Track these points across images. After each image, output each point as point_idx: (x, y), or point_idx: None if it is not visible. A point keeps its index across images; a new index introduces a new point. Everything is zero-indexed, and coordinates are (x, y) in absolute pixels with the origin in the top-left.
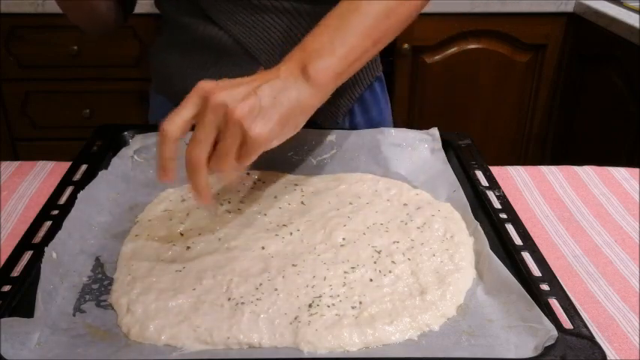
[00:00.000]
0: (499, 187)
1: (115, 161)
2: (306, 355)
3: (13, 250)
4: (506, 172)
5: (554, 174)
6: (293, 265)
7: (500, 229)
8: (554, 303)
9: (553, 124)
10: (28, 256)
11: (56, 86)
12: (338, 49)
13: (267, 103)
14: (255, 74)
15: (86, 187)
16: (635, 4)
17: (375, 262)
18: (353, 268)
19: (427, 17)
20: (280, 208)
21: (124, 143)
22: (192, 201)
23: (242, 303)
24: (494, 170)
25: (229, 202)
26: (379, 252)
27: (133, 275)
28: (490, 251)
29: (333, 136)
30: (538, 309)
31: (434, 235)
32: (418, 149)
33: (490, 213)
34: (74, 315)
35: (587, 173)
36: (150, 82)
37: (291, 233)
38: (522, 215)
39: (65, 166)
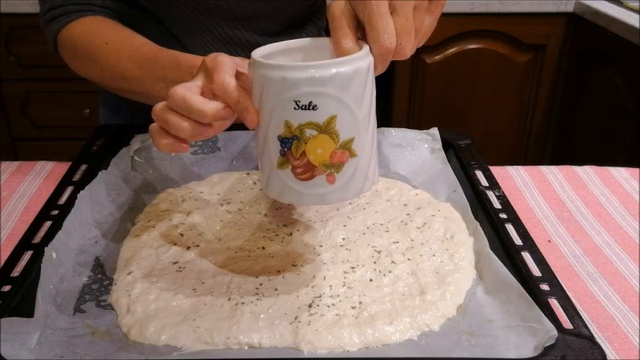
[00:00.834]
0: (499, 187)
1: (115, 161)
2: (306, 355)
3: (13, 250)
4: (506, 172)
5: (554, 174)
6: (293, 265)
7: (500, 229)
8: (554, 303)
9: (553, 124)
10: (28, 256)
11: (56, 86)
12: None
13: None
14: None
15: (86, 187)
16: (635, 4)
17: (375, 262)
18: (353, 268)
19: None
20: (280, 208)
21: (124, 143)
22: (194, 201)
23: (242, 303)
24: (494, 170)
25: (229, 203)
26: (379, 252)
27: (133, 275)
28: (490, 251)
29: None
30: (538, 309)
31: (434, 235)
32: (418, 149)
33: (490, 213)
34: (74, 315)
35: (587, 173)
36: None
37: (291, 233)
38: (522, 215)
39: (65, 166)
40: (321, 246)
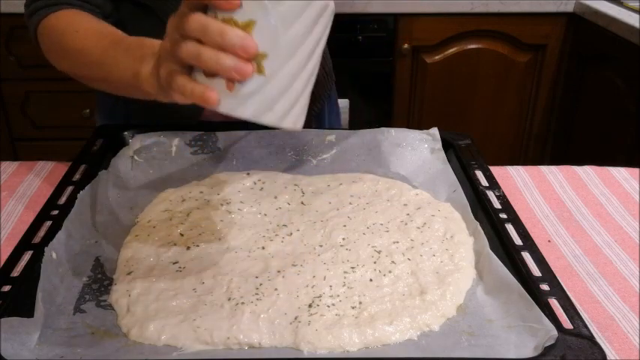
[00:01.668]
0: (499, 187)
1: (115, 161)
2: (306, 355)
3: (13, 250)
4: (506, 172)
5: (554, 174)
6: (293, 265)
7: (500, 229)
8: (554, 303)
9: (553, 124)
10: (28, 256)
11: (56, 86)
12: None
13: None
14: None
15: (86, 187)
16: (635, 4)
17: (375, 262)
18: (353, 268)
19: (427, 17)
20: (280, 208)
21: (123, 143)
22: (194, 201)
23: (242, 303)
24: (494, 170)
25: (229, 203)
26: (379, 252)
27: (133, 275)
28: (490, 251)
29: (332, 136)
30: (538, 309)
31: (434, 235)
32: (418, 149)
33: (490, 213)
34: (74, 315)
35: (587, 173)
36: None
37: (291, 233)
38: (522, 215)
39: (65, 166)
40: (321, 246)
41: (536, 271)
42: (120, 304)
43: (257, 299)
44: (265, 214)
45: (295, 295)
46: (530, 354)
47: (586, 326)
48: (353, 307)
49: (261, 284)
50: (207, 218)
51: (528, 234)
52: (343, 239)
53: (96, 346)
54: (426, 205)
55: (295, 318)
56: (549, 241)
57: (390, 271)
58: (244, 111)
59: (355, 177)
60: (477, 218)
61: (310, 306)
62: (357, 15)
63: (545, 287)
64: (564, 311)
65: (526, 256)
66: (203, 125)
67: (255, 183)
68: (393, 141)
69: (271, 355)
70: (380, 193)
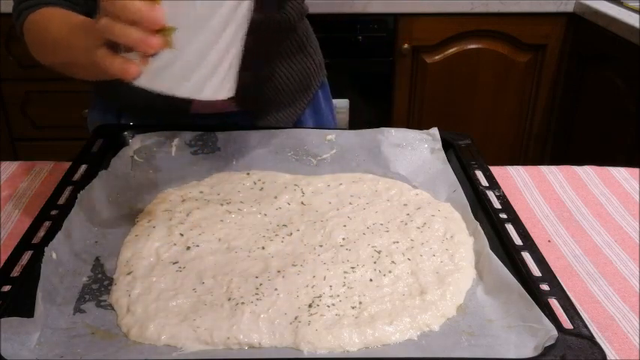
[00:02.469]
0: (499, 187)
1: (115, 161)
2: (306, 355)
3: (13, 250)
4: (506, 172)
5: (554, 174)
6: (293, 265)
7: (500, 229)
8: (554, 303)
9: (553, 124)
10: (28, 256)
11: (56, 86)
12: None
13: None
14: None
15: (86, 187)
16: (635, 4)
17: (374, 262)
18: (353, 268)
19: (427, 17)
20: (280, 208)
21: (123, 143)
22: (194, 201)
23: (242, 303)
24: (494, 170)
25: (229, 203)
26: (379, 252)
27: (133, 275)
28: (490, 251)
29: (332, 136)
30: (538, 309)
31: (434, 235)
32: (418, 149)
33: (490, 213)
34: (74, 315)
35: (587, 173)
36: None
37: (291, 233)
38: (522, 215)
39: (65, 166)
40: (321, 246)
41: (536, 271)
42: (120, 304)
43: (257, 299)
44: (265, 214)
45: (295, 295)
46: (530, 354)
47: (586, 326)
48: (353, 307)
49: (261, 284)
50: (207, 218)
51: (528, 234)
52: (343, 239)
53: (96, 346)
54: (426, 205)
55: (295, 318)
56: (549, 241)
57: (390, 271)
58: (160, 84)
59: (355, 177)
60: (477, 218)
61: (310, 306)
62: (357, 15)
63: (545, 287)
64: (564, 311)
65: (526, 256)
66: (203, 125)
67: (255, 183)
68: (393, 141)
69: (271, 355)
70: (380, 193)
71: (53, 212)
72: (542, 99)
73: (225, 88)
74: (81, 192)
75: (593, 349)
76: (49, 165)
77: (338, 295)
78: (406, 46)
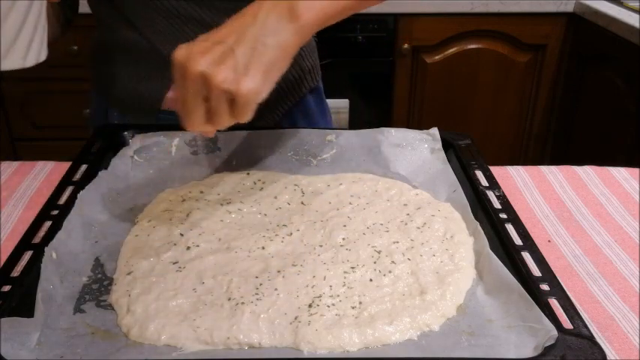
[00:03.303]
0: (499, 187)
1: (115, 161)
2: (306, 355)
3: (13, 250)
4: (506, 172)
5: (554, 174)
6: (293, 265)
7: (500, 229)
8: (554, 303)
9: (553, 124)
10: (28, 256)
11: (56, 86)
12: None
13: (247, 57)
14: (227, 21)
15: (86, 187)
16: (635, 4)
17: (374, 262)
18: (353, 268)
19: (427, 17)
20: (280, 208)
21: (123, 143)
22: (194, 201)
23: (242, 303)
24: (494, 170)
25: (229, 203)
26: (379, 252)
27: (133, 275)
28: (490, 251)
29: (332, 136)
30: (538, 309)
31: (434, 235)
32: (418, 149)
33: (490, 213)
34: (74, 315)
35: (587, 173)
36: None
37: (291, 233)
38: (522, 215)
39: (65, 166)
40: (321, 246)
41: (536, 271)
42: (120, 304)
43: (257, 299)
44: (265, 214)
45: (295, 295)
46: (530, 354)
47: (586, 326)
48: (353, 307)
49: (261, 284)
50: (207, 218)
51: (528, 234)
52: (343, 239)
53: (96, 346)
54: (426, 205)
55: (295, 318)
56: (549, 241)
57: (390, 271)
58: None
59: (355, 177)
60: (477, 218)
61: (310, 306)
62: (357, 15)
63: (545, 287)
64: (564, 311)
65: (526, 256)
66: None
67: (255, 183)
68: (393, 141)
69: (271, 355)
70: (380, 193)
71: (53, 212)
72: (542, 99)
73: (33, 54)
74: (81, 192)
75: (593, 349)
76: (49, 165)
77: (338, 295)
78: (406, 46)
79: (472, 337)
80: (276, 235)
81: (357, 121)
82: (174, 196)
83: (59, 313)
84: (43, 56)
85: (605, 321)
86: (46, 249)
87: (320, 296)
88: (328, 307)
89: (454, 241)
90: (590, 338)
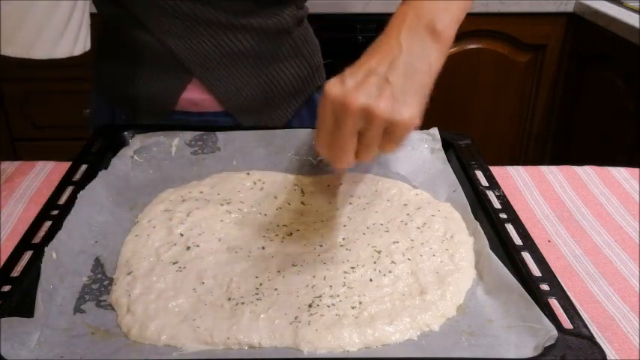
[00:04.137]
0: (499, 187)
1: (115, 161)
2: (306, 355)
3: (13, 250)
4: (506, 172)
5: (554, 174)
6: (293, 265)
7: (500, 229)
8: (554, 303)
9: (553, 124)
10: (28, 256)
11: (56, 86)
12: (450, 3)
13: (402, 85)
14: (369, 52)
15: (86, 187)
16: (635, 4)
17: (374, 262)
18: (353, 268)
19: None
20: (280, 208)
21: (123, 143)
22: (194, 201)
23: (242, 303)
24: (494, 170)
25: (229, 203)
26: (379, 252)
27: (133, 275)
28: (490, 251)
29: None
30: (538, 309)
31: (434, 235)
32: (418, 149)
33: (490, 213)
34: (74, 315)
35: (587, 173)
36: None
37: (291, 233)
38: (522, 215)
39: (65, 166)
40: (321, 246)
41: (536, 271)
42: (120, 304)
43: (257, 299)
44: (265, 214)
45: (295, 295)
46: (530, 354)
47: (586, 326)
48: (353, 307)
49: (261, 284)
50: (208, 218)
51: (528, 234)
52: (343, 239)
53: (96, 346)
54: (426, 205)
55: (295, 318)
56: (549, 241)
57: (390, 271)
58: (13, 50)
59: (355, 177)
60: (477, 218)
61: (310, 306)
62: (357, 15)
63: (545, 287)
64: (564, 311)
65: (526, 256)
66: (203, 125)
67: (255, 183)
68: None
69: (271, 355)
70: (380, 193)
71: (53, 212)
72: (542, 99)
73: (80, 43)
74: (81, 192)
75: (593, 349)
76: (49, 165)
77: (338, 295)
78: None
79: (472, 337)
80: (276, 235)
81: None
82: (174, 196)
83: (59, 313)
84: (88, 45)
85: (605, 321)
86: (46, 249)
87: (320, 296)
88: (328, 307)
89: (454, 241)
90: (590, 338)
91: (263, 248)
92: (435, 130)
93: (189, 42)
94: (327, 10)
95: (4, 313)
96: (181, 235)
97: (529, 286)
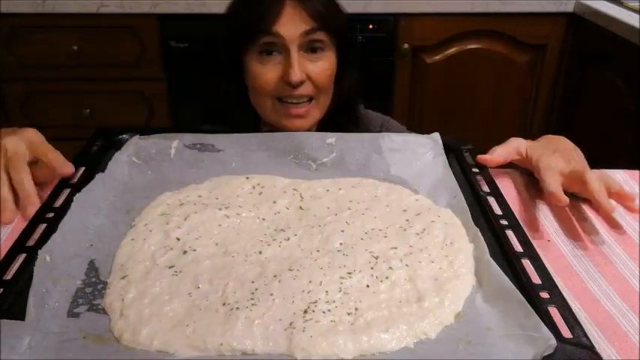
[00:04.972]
0: (500, 193)
1: (113, 163)
2: None
3: (6, 253)
4: (506, 172)
5: None
6: (289, 269)
7: (500, 235)
8: (554, 311)
9: (553, 124)
10: (22, 258)
11: (56, 86)
12: None
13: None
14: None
15: (83, 190)
16: (635, 4)
17: (372, 268)
18: (350, 273)
19: (427, 17)
20: (278, 212)
21: (122, 145)
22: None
23: (237, 308)
24: (495, 171)
25: (227, 207)
26: (376, 258)
27: (127, 279)
28: (490, 258)
29: (333, 140)
30: (537, 317)
31: (433, 242)
32: (419, 154)
33: (490, 219)
34: (67, 319)
35: None
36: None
37: (288, 238)
38: (521, 215)
39: None
40: (318, 251)
41: (536, 279)
42: (113, 308)
43: (252, 304)
44: (264, 219)
45: (291, 301)
46: None
47: (586, 335)
48: (349, 314)
49: (257, 289)
50: (205, 222)
51: (529, 241)
52: (341, 244)
53: (86, 350)
54: (425, 211)
55: (290, 324)
56: (549, 240)
57: (387, 277)
58: None
59: (355, 182)
60: (477, 224)
61: (306, 312)
62: (357, 15)
63: (545, 295)
64: (564, 320)
65: (526, 263)
66: (202, 128)
67: (254, 187)
68: (394, 145)
69: None
70: (379, 198)
71: (49, 215)
72: (542, 99)
73: None
74: (77, 194)
75: (593, 359)
76: None
77: (334, 301)
78: (406, 46)
79: (469, 346)
80: (274, 239)
81: None
82: (172, 199)
83: (51, 316)
84: None
85: (605, 321)
86: (39, 252)
87: (316, 302)
88: (324, 312)
89: (454, 247)
90: (590, 348)
91: (260, 253)
92: (436, 135)
93: None
94: None
95: None
96: (178, 239)
97: (529, 294)
